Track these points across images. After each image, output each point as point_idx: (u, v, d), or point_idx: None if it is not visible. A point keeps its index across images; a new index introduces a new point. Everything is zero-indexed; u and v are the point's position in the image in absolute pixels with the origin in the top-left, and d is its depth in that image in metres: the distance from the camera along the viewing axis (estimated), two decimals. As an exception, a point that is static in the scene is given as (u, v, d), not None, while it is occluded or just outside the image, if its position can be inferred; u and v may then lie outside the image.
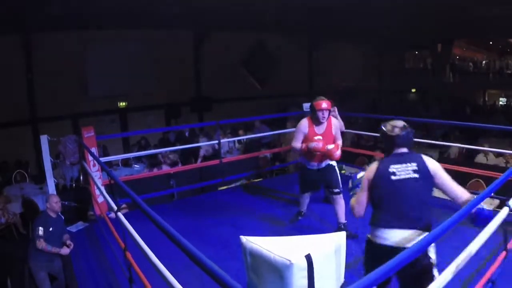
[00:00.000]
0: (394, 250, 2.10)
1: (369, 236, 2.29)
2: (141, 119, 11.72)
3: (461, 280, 2.82)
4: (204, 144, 7.10)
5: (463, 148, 8.19)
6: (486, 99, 17.51)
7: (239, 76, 13.93)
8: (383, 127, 2.38)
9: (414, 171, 2.21)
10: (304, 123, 3.94)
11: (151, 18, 10.18)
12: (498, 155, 7.59)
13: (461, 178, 5.79)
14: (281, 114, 8.70)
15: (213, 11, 10.19)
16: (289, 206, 4.97)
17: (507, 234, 2.61)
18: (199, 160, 7.08)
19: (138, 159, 8.07)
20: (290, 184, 5.96)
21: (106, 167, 3.62)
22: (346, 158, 7.49)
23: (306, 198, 4.43)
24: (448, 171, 5.72)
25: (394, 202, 2.21)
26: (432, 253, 2.25)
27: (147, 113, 12.01)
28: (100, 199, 4.66)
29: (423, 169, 2.21)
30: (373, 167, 2.33)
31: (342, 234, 2.43)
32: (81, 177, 6.29)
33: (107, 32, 10.72)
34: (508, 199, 2.65)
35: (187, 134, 9.90)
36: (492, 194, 2.51)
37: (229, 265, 3.40)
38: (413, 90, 18.37)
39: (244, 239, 2.35)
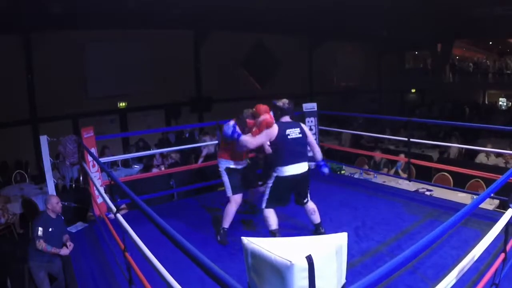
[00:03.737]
0: (293, 177, 3.70)
1: (276, 174, 3.72)
2: (141, 119, 11.73)
3: (464, 282, 2.82)
4: (206, 144, 7.08)
5: (462, 148, 8.21)
6: (486, 99, 17.51)
7: (239, 76, 13.94)
8: (276, 102, 3.84)
9: (299, 133, 3.75)
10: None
11: (151, 18, 10.18)
12: (497, 155, 7.60)
13: (461, 178, 5.84)
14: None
15: (213, 11, 10.19)
16: (289, 206, 4.96)
17: (508, 235, 2.60)
18: (201, 159, 7.07)
19: (138, 160, 8.06)
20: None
21: (105, 168, 3.62)
22: (346, 159, 7.53)
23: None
24: (448, 171, 5.67)
25: (292, 150, 3.69)
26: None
27: (147, 113, 12.01)
28: (100, 200, 4.66)
29: (302, 132, 3.77)
30: (275, 128, 3.69)
31: (343, 235, 2.43)
32: (81, 178, 6.29)
33: (107, 32, 10.72)
34: (510, 200, 2.64)
35: (187, 135, 9.89)
36: (492, 194, 2.50)
37: (229, 265, 3.40)
38: (413, 90, 18.38)
39: (246, 240, 2.35)
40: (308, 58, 15.76)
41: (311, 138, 3.91)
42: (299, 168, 3.73)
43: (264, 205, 3.82)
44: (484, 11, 12.00)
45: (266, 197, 3.80)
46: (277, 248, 2.17)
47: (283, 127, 3.73)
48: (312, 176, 6.30)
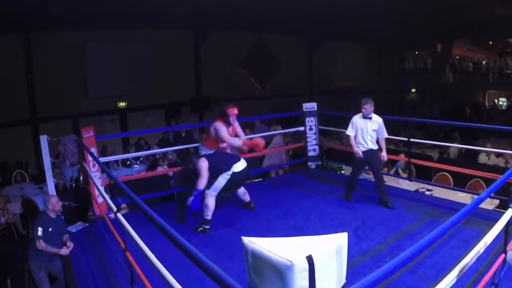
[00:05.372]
0: (241, 171, 4.37)
1: (228, 173, 4.31)
2: (141, 119, 11.72)
3: (464, 282, 2.82)
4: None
5: (462, 148, 8.20)
6: (486, 99, 17.50)
7: (239, 76, 13.93)
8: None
9: None
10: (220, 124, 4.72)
11: (151, 18, 10.18)
12: (498, 155, 7.60)
13: (461, 178, 5.85)
14: (281, 114, 8.70)
15: (213, 11, 10.19)
16: (289, 206, 4.96)
17: (508, 236, 2.60)
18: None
19: (138, 159, 8.07)
20: (290, 184, 5.97)
21: (105, 168, 3.63)
22: (346, 159, 7.52)
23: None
24: (448, 171, 5.65)
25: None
26: None
27: (147, 113, 12.00)
28: (100, 200, 4.66)
29: None
30: None
31: (344, 235, 2.43)
32: (81, 177, 6.29)
33: (107, 32, 10.71)
34: (510, 200, 2.64)
35: (184, 135, 9.89)
36: (492, 194, 2.50)
37: (229, 265, 3.40)
38: (413, 90, 18.38)
39: (246, 240, 2.35)
40: (308, 58, 15.74)
41: None
42: (242, 164, 4.47)
43: None
44: (484, 11, 12.01)
45: None
46: (278, 248, 2.17)
47: None
48: (312, 176, 6.33)
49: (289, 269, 2.02)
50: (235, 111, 4.73)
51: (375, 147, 4.87)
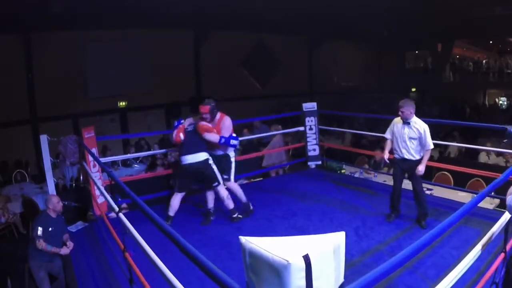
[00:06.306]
0: (190, 165, 4.33)
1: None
2: (141, 119, 11.73)
3: (464, 282, 2.81)
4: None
5: (463, 147, 8.20)
6: (486, 99, 17.50)
7: (239, 76, 13.94)
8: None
9: (192, 127, 4.45)
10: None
11: (151, 18, 10.19)
12: (498, 154, 7.59)
13: (461, 177, 5.84)
14: (281, 114, 8.72)
15: (213, 11, 10.20)
16: (289, 206, 4.96)
17: (508, 235, 2.60)
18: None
19: (138, 159, 8.07)
20: (290, 184, 5.97)
21: (106, 168, 3.63)
22: (346, 158, 7.54)
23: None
24: (448, 170, 5.64)
25: (186, 140, 4.40)
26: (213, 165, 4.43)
27: (147, 113, 12.02)
28: (100, 200, 4.66)
29: (195, 128, 4.42)
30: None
31: (341, 234, 2.43)
32: (81, 177, 6.29)
33: (107, 32, 10.73)
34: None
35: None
36: (492, 193, 2.50)
37: (228, 265, 3.40)
38: (413, 90, 18.38)
39: (244, 239, 2.35)
40: (308, 58, 15.76)
41: (202, 134, 4.37)
42: (193, 157, 4.32)
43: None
44: (484, 11, 12.01)
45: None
46: (275, 248, 2.17)
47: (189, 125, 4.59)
48: (312, 176, 6.33)
49: (286, 269, 2.01)
50: (201, 109, 4.38)
51: (413, 157, 4.12)
